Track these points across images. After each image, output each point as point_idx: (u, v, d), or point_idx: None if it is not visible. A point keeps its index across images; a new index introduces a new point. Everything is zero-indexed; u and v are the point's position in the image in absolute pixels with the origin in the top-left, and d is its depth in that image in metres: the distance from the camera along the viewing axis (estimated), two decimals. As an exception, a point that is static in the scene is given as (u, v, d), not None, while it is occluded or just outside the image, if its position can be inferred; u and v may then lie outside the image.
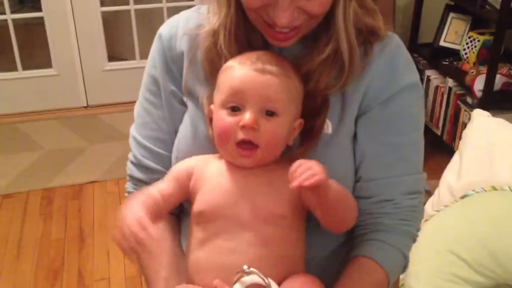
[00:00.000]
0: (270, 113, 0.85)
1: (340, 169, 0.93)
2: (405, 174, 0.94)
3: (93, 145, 2.98)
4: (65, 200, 2.58)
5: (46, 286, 2.10)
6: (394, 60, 0.93)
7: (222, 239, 0.85)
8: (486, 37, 2.64)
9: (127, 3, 3.27)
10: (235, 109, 0.85)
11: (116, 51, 3.53)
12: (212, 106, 0.90)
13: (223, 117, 0.85)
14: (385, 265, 0.92)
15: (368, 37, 0.92)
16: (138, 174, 1.02)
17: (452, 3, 2.87)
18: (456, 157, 1.59)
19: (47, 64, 3.27)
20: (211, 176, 0.89)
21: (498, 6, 2.38)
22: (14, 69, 3.24)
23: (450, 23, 2.89)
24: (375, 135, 0.93)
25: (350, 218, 0.90)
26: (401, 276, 1.39)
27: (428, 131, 2.84)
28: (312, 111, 0.90)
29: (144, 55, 3.38)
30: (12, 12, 3.15)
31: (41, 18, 3.15)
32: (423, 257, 1.37)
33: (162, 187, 0.91)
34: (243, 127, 0.83)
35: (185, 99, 0.98)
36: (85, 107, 3.37)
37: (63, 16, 3.16)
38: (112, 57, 3.39)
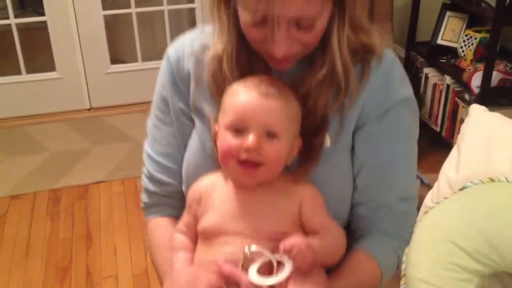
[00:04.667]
0: (272, 135, 0.89)
1: (339, 181, 0.99)
2: (399, 181, 1.01)
3: (97, 146, 3.03)
4: (72, 200, 2.62)
5: (55, 284, 2.15)
6: (388, 76, 0.98)
7: (225, 250, 0.90)
8: (483, 34, 2.68)
9: (129, 6, 3.31)
10: (238, 131, 0.89)
11: (119, 53, 3.57)
12: (216, 126, 0.95)
13: (227, 138, 0.90)
14: (379, 258, 1.00)
15: (364, 56, 0.96)
16: (151, 187, 1.10)
17: (449, 1, 2.91)
18: (454, 151, 1.63)
19: (51, 67, 3.32)
20: (216, 200, 0.94)
21: (493, 4, 2.42)
22: (18, 72, 3.28)
23: (447, 21, 2.93)
24: (372, 147, 0.98)
25: (338, 257, 0.97)
26: (403, 266, 1.43)
27: (427, 128, 2.88)
28: (312, 128, 0.95)
29: (146, 58, 3.45)
30: (14, 16, 3.19)
31: (44, 22, 3.20)
32: (423, 247, 1.41)
33: (184, 219, 1.00)
34: (247, 149, 0.87)
35: (193, 116, 1.04)
36: (89, 109, 3.41)
37: (65, 20, 3.20)
38: (114, 60, 3.43)
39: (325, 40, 0.90)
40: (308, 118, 0.94)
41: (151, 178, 1.09)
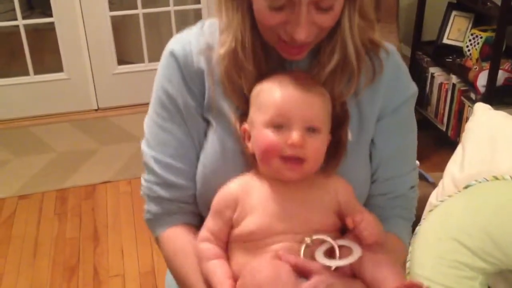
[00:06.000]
0: (312, 130, 0.89)
1: (361, 174, 1.02)
2: (410, 171, 1.07)
3: (104, 147, 3.04)
4: (79, 200, 2.64)
5: (63, 283, 2.16)
6: (398, 69, 1.02)
7: (278, 248, 0.88)
8: (489, 34, 2.67)
9: (136, 7, 3.33)
10: (278, 127, 0.88)
11: (125, 54, 3.59)
12: (245, 125, 0.94)
13: (268, 135, 0.88)
14: (404, 240, 1.07)
15: (372, 49, 0.98)
16: (164, 193, 1.01)
17: (455, 1, 2.91)
18: (459, 149, 1.64)
19: (58, 68, 3.34)
20: (255, 202, 0.91)
21: (499, 3, 2.42)
22: (26, 73, 3.31)
23: (453, 20, 2.93)
24: (389, 141, 1.02)
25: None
26: (407, 264, 1.44)
27: (433, 127, 2.88)
28: (335, 122, 0.95)
29: (153, 58, 3.46)
30: (23, 18, 3.22)
31: (52, 23, 3.22)
32: (427, 245, 1.41)
33: (210, 226, 0.94)
34: (292, 145, 0.87)
35: (209, 117, 0.99)
36: (96, 109, 3.43)
37: (73, 21, 3.22)
38: (121, 61, 3.45)
39: (333, 30, 0.91)
40: None
41: (163, 183, 1.01)
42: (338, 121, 0.96)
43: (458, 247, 1.38)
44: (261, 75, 0.94)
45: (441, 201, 1.51)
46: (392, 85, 1.00)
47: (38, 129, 3.22)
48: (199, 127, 1.00)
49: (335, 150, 0.95)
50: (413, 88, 1.04)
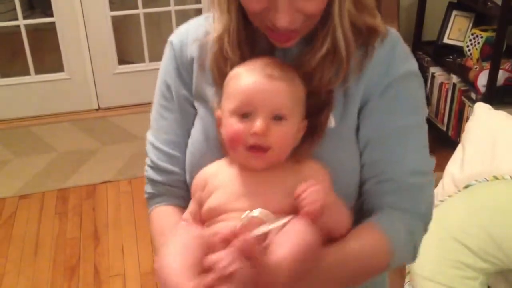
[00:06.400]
0: (279, 118, 0.88)
1: (346, 161, 0.97)
2: (407, 154, 0.95)
3: (105, 146, 3.05)
4: (80, 199, 2.65)
5: (63, 282, 2.17)
6: (391, 53, 0.96)
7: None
8: (489, 33, 2.68)
9: (136, 7, 3.33)
10: (244, 115, 0.88)
11: (126, 54, 3.59)
12: (219, 112, 0.94)
13: (233, 124, 0.88)
14: (386, 230, 0.92)
15: (368, 38, 0.95)
16: (156, 176, 1.06)
17: (455, 0, 2.91)
18: (459, 149, 1.64)
19: (59, 68, 3.34)
20: (220, 181, 0.92)
21: (500, 3, 2.42)
22: (27, 73, 3.31)
23: (453, 20, 2.93)
24: (376, 122, 0.96)
25: (343, 228, 0.92)
26: (407, 264, 1.44)
27: (433, 127, 2.88)
28: (316, 108, 0.93)
29: (153, 58, 3.47)
30: (23, 18, 3.22)
31: (53, 23, 3.22)
32: (428, 245, 1.40)
33: (190, 208, 0.97)
34: (255, 134, 0.86)
35: (195, 103, 1.02)
36: (97, 109, 3.44)
37: (74, 21, 3.23)
38: (122, 60, 3.46)
39: (326, 14, 0.89)
40: (312, 97, 0.93)
41: (156, 168, 1.06)
42: (321, 107, 0.94)
43: (458, 247, 1.39)
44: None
45: (441, 201, 1.52)
46: (381, 68, 0.94)
47: (38, 129, 3.22)
48: (189, 116, 1.03)
49: (312, 135, 0.93)
50: (406, 68, 0.96)
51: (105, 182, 2.76)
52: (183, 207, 1.03)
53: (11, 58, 3.86)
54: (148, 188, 1.09)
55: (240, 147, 0.88)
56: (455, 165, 1.60)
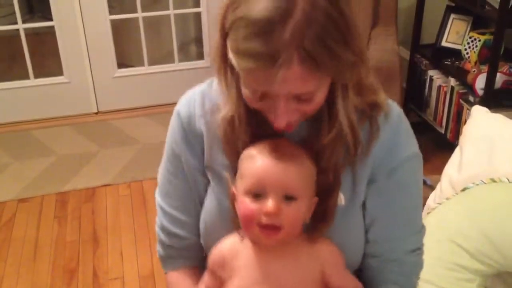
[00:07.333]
0: (290, 198, 0.91)
1: (354, 237, 1.02)
2: (409, 234, 1.04)
3: (104, 150, 3.05)
4: (79, 203, 2.65)
5: (62, 286, 2.17)
6: (396, 131, 1.00)
7: None
8: (487, 36, 2.68)
9: (135, 11, 3.34)
10: (257, 195, 0.91)
11: (125, 58, 3.60)
12: (234, 189, 0.97)
13: (247, 204, 0.92)
14: None
15: (372, 113, 0.97)
16: (165, 239, 1.12)
17: (453, 4, 2.92)
18: (457, 151, 1.64)
19: (58, 72, 3.35)
20: (239, 264, 0.97)
21: (497, 6, 2.43)
22: (26, 77, 3.32)
23: (451, 23, 2.93)
24: (384, 203, 1.01)
25: None
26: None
27: (432, 130, 2.89)
28: (325, 187, 0.97)
29: (152, 62, 3.47)
30: (23, 21, 3.23)
31: (52, 27, 3.23)
32: (425, 247, 1.42)
33: (206, 281, 1.03)
34: (267, 214, 0.90)
35: (208, 174, 1.05)
36: (96, 113, 3.44)
37: (73, 25, 3.23)
38: (121, 64, 3.46)
39: (330, 100, 0.91)
40: (321, 177, 0.96)
41: (165, 231, 1.11)
42: (329, 187, 0.97)
43: (456, 249, 1.39)
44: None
45: (439, 203, 1.52)
46: (387, 147, 0.98)
47: (38, 132, 3.23)
48: (200, 184, 1.06)
49: (323, 215, 0.97)
50: (411, 150, 1.01)
51: (104, 185, 2.76)
52: (195, 265, 1.11)
53: (11, 62, 3.87)
54: (159, 250, 1.15)
55: (253, 226, 0.92)
56: (453, 167, 1.60)
